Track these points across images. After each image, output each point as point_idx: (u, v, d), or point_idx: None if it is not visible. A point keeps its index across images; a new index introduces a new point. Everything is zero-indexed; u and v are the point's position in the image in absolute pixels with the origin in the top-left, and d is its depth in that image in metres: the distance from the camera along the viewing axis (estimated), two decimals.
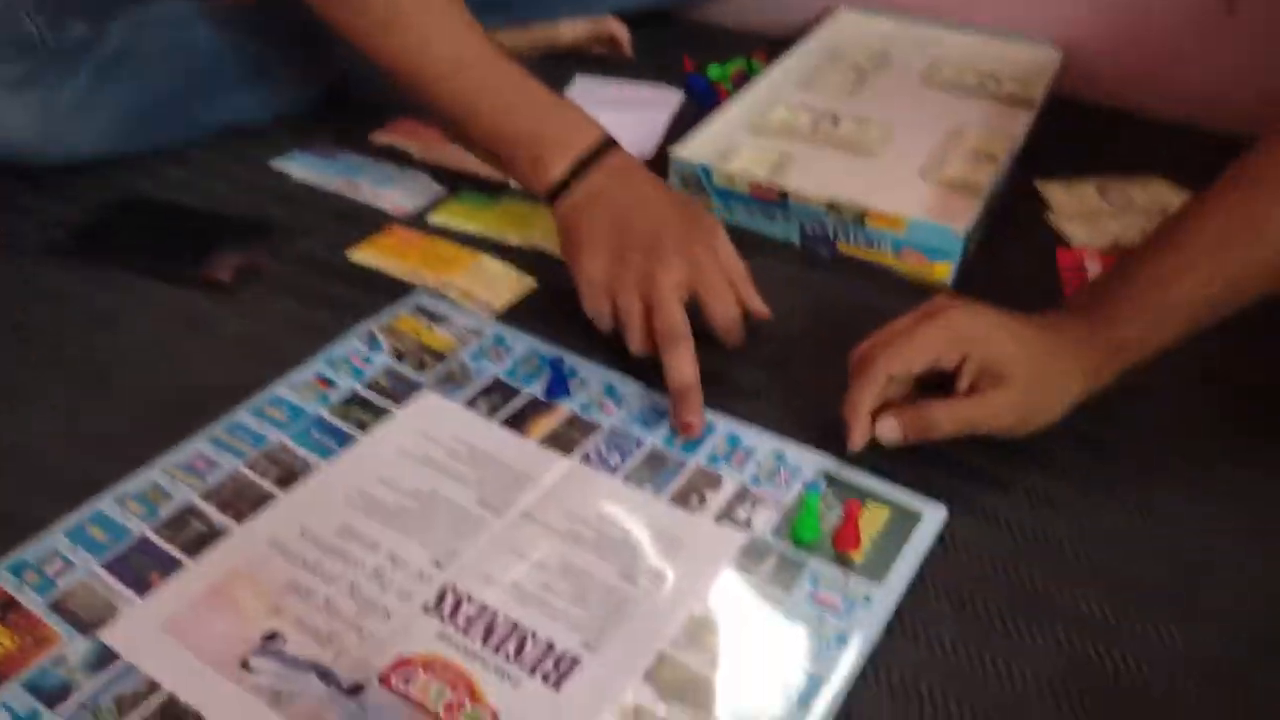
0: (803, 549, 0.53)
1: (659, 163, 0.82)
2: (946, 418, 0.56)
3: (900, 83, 0.98)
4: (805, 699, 0.46)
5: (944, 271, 0.73)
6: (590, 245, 0.66)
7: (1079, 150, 0.90)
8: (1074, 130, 0.93)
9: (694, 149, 0.82)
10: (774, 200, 0.77)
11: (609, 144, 0.70)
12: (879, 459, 0.58)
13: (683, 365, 0.61)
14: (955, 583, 0.53)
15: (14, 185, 0.83)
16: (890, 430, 0.57)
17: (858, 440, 0.57)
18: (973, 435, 0.57)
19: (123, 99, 0.84)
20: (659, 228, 0.65)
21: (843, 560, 0.53)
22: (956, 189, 0.81)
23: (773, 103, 0.93)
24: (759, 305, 0.67)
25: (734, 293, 0.65)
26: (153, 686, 0.46)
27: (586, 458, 0.59)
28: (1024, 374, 0.56)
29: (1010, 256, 0.77)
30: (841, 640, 0.49)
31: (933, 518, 0.55)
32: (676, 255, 0.64)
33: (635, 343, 0.64)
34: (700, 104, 0.95)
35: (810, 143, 0.88)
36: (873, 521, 0.55)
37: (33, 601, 0.50)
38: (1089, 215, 0.81)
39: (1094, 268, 0.75)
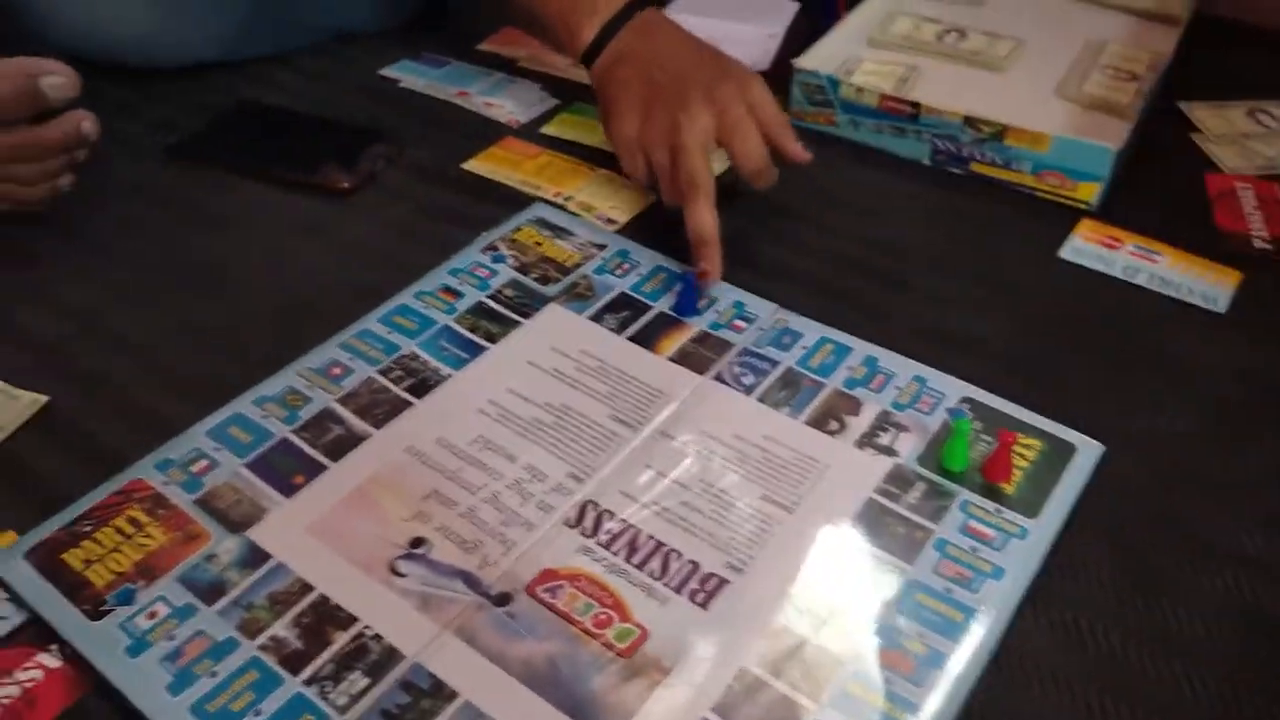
0: (950, 478, 0.52)
1: (776, 76, 0.78)
2: None
3: None
4: (959, 630, 0.45)
5: (1089, 193, 0.69)
6: (621, 106, 0.65)
7: (1220, 70, 0.85)
8: (1216, 49, 0.87)
9: (815, 61, 0.78)
10: (905, 114, 0.73)
11: (639, 3, 0.68)
12: (1029, 389, 0.56)
13: (701, 215, 0.61)
14: (1112, 520, 0.50)
15: (126, 89, 0.82)
16: None
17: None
18: None
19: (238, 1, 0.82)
20: (685, 78, 0.64)
21: (993, 492, 0.51)
22: (1097, 108, 0.77)
23: (894, 14, 0.88)
24: (796, 149, 0.65)
25: (761, 135, 0.63)
26: (305, 587, 0.46)
27: (719, 377, 0.57)
28: None
29: (1155, 180, 0.73)
30: (998, 574, 0.47)
31: (1088, 452, 0.53)
32: (700, 103, 0.62)
33: (666, 195, 0.64)
34: (815, 16, 0.90)
35: (935, 57, 0.84)
36: (1023, 453, 0.53)
37: (180, 498, 0.50)
38: (1240, 138, 0.76)
39: (1247, 194, 0.71)
